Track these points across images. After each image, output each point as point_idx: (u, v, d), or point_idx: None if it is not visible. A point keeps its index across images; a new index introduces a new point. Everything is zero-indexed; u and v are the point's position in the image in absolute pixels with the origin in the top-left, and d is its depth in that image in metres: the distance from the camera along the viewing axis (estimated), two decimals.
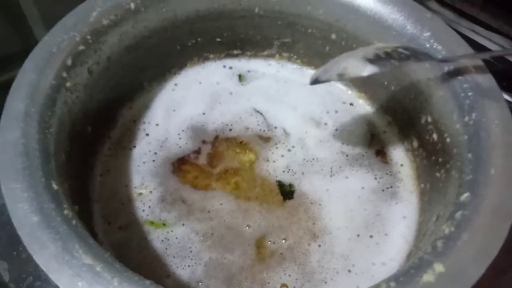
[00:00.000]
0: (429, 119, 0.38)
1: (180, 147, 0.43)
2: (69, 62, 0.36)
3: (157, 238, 0.37)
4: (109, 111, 0.44)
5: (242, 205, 0.39)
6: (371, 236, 0.38)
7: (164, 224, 0.38)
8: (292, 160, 0.42)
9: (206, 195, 0.40)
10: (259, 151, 0.43)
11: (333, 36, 0.45)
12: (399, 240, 0.37)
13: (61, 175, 0.32)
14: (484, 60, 0.36)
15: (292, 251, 0.37)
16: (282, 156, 0.43)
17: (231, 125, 0.45)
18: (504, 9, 0.61)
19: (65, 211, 0.27)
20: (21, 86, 0.33)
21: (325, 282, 0.35)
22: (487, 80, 0.34)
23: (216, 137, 0.44)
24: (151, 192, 0.40)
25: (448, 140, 0.35)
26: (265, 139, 0.44)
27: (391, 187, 0.41)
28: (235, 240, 0.37)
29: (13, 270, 0.37)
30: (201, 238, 0.37)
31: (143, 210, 0.38)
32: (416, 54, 0.35)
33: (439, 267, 0.25)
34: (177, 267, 0.35)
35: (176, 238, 0.37)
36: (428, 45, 0.38)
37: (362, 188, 0.40)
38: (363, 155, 0.43)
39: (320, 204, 0.39)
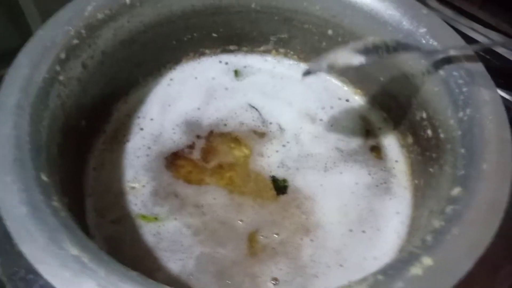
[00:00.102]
0: (424, 115, 0.38)
1: (174, 141, 0.43)
2: (62, 55, 0.36)
3: (149, 232, 0.37)
4: (103, 105, 0.44)
5: (236, 200, 0.39)
6: (363, 231, 0.37)
7: (156, 218, 0.38)
8: (286, 155, 0.42)
9: (199, 189, 0.40)
10: (253, 146, 0.43)
11: (330, 32, 0.45)
12: (392, 235, 0.37)
13: (52, 167, 0.32)
14: (481, 57, 0.36)
15: (284, 246, 0.36)
16: (277, 151, 0.43)
17: (226, 120, 0.45)
18: (503, 7, 0.61)
19: (54, 203, 0.27)
20: (14, 80, 0.33)
21: (317, 277, 0.35)
22: (481, 76, 0.34)
23: (211, 132, 0.44)
24: (144, 186, 0.40)
25: (442, 135, 0.35)
26: (260, 135, 0.44)
27: (385, 182, 0.41)
28: (228, 234, 0.37)
29: (5, 264, 0.37)
30: (193, 232, 0.37)
31: (136, 204, 0.38)
32: (405, 46, 0.36)
33: (427, 261, 0.24)
34: (168, 260, 0.35)
35: (168, 232, 0.37)
36: (424, 41, 0.38)
37: (356, 183, 0.40)
38: (357, 151, 0.43)
39: (313, 199, 0.39)
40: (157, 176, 0.40)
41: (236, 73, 0.49)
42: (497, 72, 0.56)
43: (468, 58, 0.35)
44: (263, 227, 0.38)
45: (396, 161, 0.42)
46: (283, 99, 0.47)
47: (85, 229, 0.36)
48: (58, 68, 0.36)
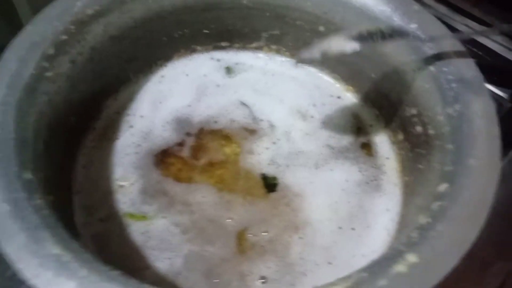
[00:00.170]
0: (414, 112, 0.38)
1: (164, 139, 0.42)
2: (50, 51, 0.36)
3: (137, 230, 0.36)
4: (93, 102, 0.43)
5: (225, 198, 0.39)
6: (353, 229, 0.37)
7: (144, 217, 0.37)
8: (277, 152, 0.42)
9: (188, 187, 0.39)
10: (244, 143, 0.43)
11: (321, 28, 0.45)
12: (382, 232, 0.37)
13: (38, 164, 0.31)
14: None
15: (273, 244, 0.36)
16: (267, 148, 0.42)
17: (217, 117, 0.44)
18: (497, 4, 0.61)
19: (37, 201, 0.27)
20: (0, 76, 0.33)
21: (305, 275, 0.34)
22: (471, 72, 0.34)
23: (201, 129, 0.43)
24: (132, 184, 0.39)
25: (431, 132, 0.34)
26: (251, 132, 0.44)
27: (375, 179, 0.40)
28: (216, 232, 0.37)
29: None
30: (182, 230, 0.37)
31: (124, 203, 0.38)
32: (399, 33, 0.35)
33: (412, 258, 0.24)
34: (156, 259, 0.35)
35: (157, 230, 0.36)
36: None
37: (347, 180, 0.40)
38: (348, 148, 0.42)
39: (303, 197, 0.39)
40: (146, 174, 0.40)
41: (228, 70, 0.49)
42: (490, 69, 0.56)
43: (459, 54, 0.35)
44: (252, 225, 0.37)
45: (387, 158, 0.42)
46: (274, 96, 0.46)
47: (73, 227, 0.36)
48: (46, 64, 0.35)
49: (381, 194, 0.39)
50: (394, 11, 0.39)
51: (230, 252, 0.36)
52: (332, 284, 0.24)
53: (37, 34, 0.36)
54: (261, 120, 0.44)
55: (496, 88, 0.53)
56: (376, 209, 0.38)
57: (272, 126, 0.44)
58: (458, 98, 0.32)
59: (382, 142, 0.43)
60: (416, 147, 0.37)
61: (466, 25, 0.61)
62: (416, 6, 0.39)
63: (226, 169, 0.41)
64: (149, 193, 0.39)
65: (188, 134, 0.43)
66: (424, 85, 0.36)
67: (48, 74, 0.35)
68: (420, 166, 0.36)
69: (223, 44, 0.50)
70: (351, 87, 0.47)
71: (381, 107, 0.44)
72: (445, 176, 0.29)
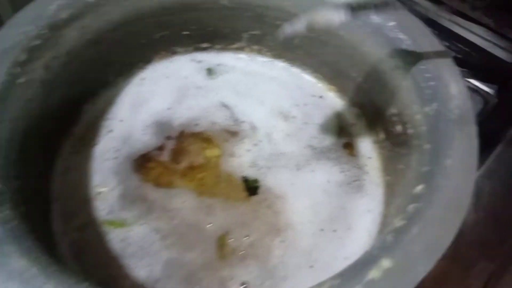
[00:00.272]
0: (394, 111, 0.37)
1: (144, 143, 0.42)
2: (23, 57, 0.35)
3: (116, 237, 0.36)
4: (71, 107, 0.42)
5: (206, 202, 0.38)
6: (334, 231, 0.37)
7: (123, 224, 0.37)
8: (258, 154, 0.41)
9: (168, 192, 0.39)
10: (225, 146, 0.42)
11: None
12: (363, 234, 0.36)
13: (11, 173, 0.31)
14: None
15: (255, 248, 0.36)
16: (249, 151, 0.42)
17: (198, 119, 0.44)
18: (484, 1, 0.60)
19: (6, 212, 0.26)
20: None
21: (286, 279, 0.34)
22: (449, 69, 0.33)
23: (182, 132, 0.43)
24: (111, 190, 0.38)
25: (410, 131, 0.34)
26: (232, 134, 0.43)
27: (357, 180, 0.40)
28: (196, 238, 0.36)
29: None
30: (161, 237, 0.36)
31: (103, 209, 0.37)
32: (388, 3, 0.34)
33: (386, 263, 0.24)
34: (135, 266, 0.34)
35: (136, 237, 0.36)
36: (392, 35, 0.37)
37: (328, 181, 0.40)
38: (331, 148, 0.42)
39: (284, 199, 0.38)
40: (125, 180, 0.39)
41: (209, 71, 0.48)
42: (477, 65, 0.55)
43: (438, 53, 0.35)
44: (233, 229, 0.37)
45: (369, 157, 0.41)
46: (256, 97, 0.46)
47: (49, 236, 0.35)
48: (18, 69, 0.35)
49: (363, 195, 0.39)
50: None
51: (210, 258, 0.35)
52: None
53: (8, 40, 0.35)
54: (243, 121, 0.44)
55: (483, 84, 0.52)
56: (358, 210, 0.38)
57: (253, 127, 0.43)
58: (435, 96, 0.32)
59: (364, 141, 0.43)
60: (396, 147, 0.37)
61: (453, 21, 0.60)
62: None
63: (206, 172, 0.40)
64: (128, 199, 0.38)
65: (168, 137, 0.42)
66: (402, 84, 0.36)
67: (21, 80, 0.35)
68: (400, 166, 0.35)
69: (204, 45, 0.49)
70: (333, 87, 0.46)
71: (363, 106, 0.44)
72: (422, 176, 0.28)
